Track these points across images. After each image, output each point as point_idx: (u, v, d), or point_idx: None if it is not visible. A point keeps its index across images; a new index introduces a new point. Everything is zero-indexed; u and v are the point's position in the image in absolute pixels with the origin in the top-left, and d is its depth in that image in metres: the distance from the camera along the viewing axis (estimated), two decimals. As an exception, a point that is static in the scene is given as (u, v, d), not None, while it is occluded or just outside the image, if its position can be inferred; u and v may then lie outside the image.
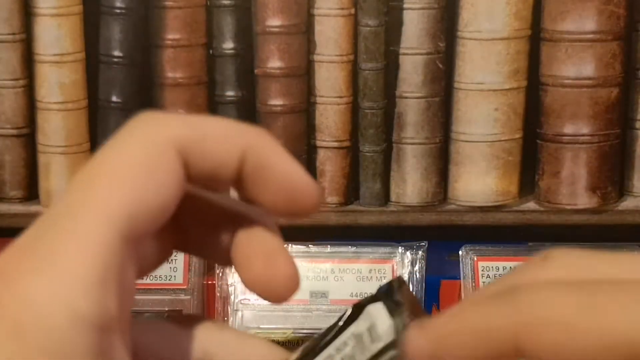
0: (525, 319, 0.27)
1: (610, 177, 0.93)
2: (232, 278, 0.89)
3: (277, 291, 0.31)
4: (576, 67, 0.90)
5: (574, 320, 0.26)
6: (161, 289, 0.89)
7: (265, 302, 0.96)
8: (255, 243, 0.32)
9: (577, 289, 0.27)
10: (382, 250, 0.90)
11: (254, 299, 0.89)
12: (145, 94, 0.94)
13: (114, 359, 0.28)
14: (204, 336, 0.32)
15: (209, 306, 0.90)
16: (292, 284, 0.31)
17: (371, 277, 0.89)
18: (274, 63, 0.92)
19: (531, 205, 0.95)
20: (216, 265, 0.90)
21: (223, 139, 0.31)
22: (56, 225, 0.28)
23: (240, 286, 0.89)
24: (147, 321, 0.32)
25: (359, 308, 0.31)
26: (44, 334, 0.27)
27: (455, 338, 0.28)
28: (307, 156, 0.94)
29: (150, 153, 0.30)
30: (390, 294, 0.31)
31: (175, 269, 0.90)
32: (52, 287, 0.27)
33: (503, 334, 0.27)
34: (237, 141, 0.31)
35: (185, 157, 0.30)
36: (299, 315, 0.89)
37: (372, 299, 0.31)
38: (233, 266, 0.33)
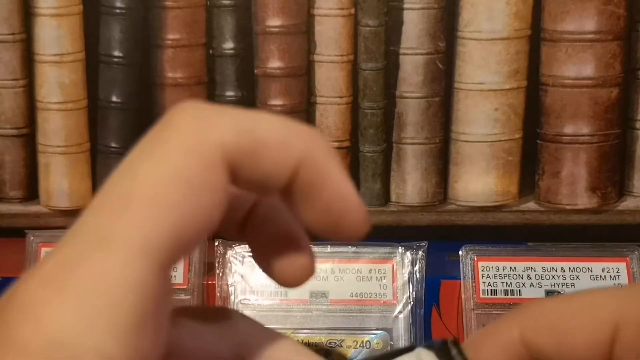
0: (524, 314, 0.30)
1: (610, 177, 0.93)
2: (232, 278, 0.89)
3: (291, 278, 0.29)
4: (576, 67, 0.90)
5: (560, 306, 0.29)
6: (161, 289, 0.89)
7: (265, 302, 0.95)
8: (274, 224, 0.30)
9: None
10: (382, 250, 0.90)
11: (254, 298, 0.89)
12: (145, 94, 0.94)
13: None
14: (236, 330, 0.29)
15: (209, 306, 0.90)
16: (307, 272, 0.29)
17: (371, 277, 0.89)
18: (274, 63, 0.92)
19: (531, 205, 0.95)
20: (216, 265, 0.90)
21: (278, 148, 0.27)
22: (88, 256, 0.25)
23: (240, 286, 0.89)
24: (174, 320, 0.29)
25: (408, 348, 0.30)
26: None
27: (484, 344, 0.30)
28: (307, 156, 0.94)
29: (195, 168, 0.26)
30: (444, 348, 0.30)
31: (175, 269, 0.90)
32: (82, 329, 0.25)
33: (513, 334, 0.30)
34: (293, 151, 0.27)
35: (233, 168, 0.26)
36: (299, 315, 0.89)
37: (424, 346, 0.30)
38: (246, 242, 0.30)
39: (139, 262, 0.25)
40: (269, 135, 0.27)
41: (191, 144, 0.26)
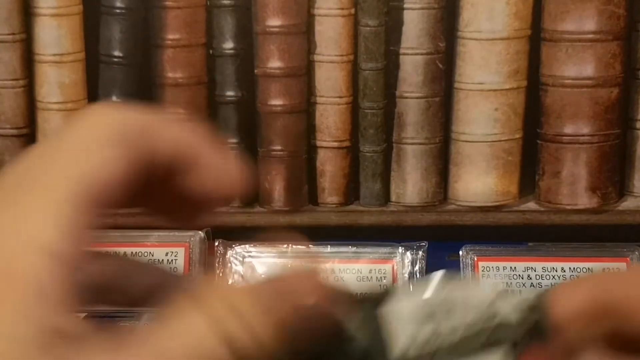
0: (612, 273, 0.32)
1: (610, 177, 0.93)
2: (232, 278, 0.89)
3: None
4: (576, 67, 0.90)
5: None
6: (161, 289, 0.89)
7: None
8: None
9: None
10: (382, 250, 0.90)
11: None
12: (145, 94, 0.94)
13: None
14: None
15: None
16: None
17: (371, 277, 0.89)
18: (274, 63, 0.92)
19: (531, 205, 0.95)
20: (216, 265, 0.90)
21: (162, 131, 0.33)
22: (26, 185, 0.31)
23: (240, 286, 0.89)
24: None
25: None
26: (22, 276, 0.29)
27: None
28: (307, 156, 0.94)
29: (97, 138, 0.32)
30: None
31: (175, 269, 0.90)
32: (27, 232, 0.29)
33: (597, 288, 0.32)
34: (171, 136, 0.33)
35: (134, 145, 0.32)
36: (299, 316, 0.89)
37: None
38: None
39: (66, 186, 0.31)
40: (154, 121, 0.34)
41: (92, 127, 0.32)
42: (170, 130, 0.34)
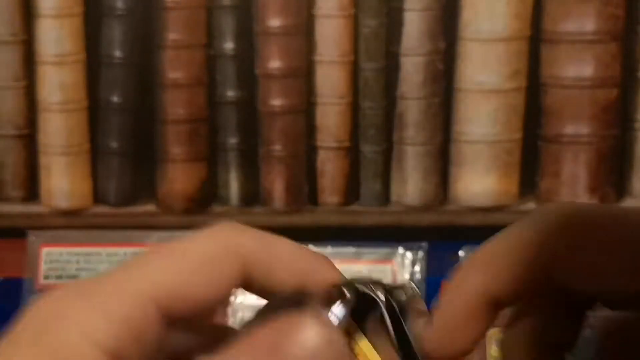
0: None
1: (609, 178, 0.93)
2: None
3: None
4: (576, 67, 0.90)
5: None
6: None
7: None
8: None
9: None
10: (383, 250, 0.90)
11: (254, 299, 0.89)
12: (145, 94, 0.94)
13: None
14: None
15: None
16: None
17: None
18: (274, 63, 0.92)
19: (531, 205, 0.95)
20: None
21: (288, 265, 0.34)
22: (108, 280, 0.31)
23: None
24: None
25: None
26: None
27: None
28: (307, 156, 0.95)
29: (212, 252, 0.32)
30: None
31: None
32: (89, 324, 0.29)
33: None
34: (299, 269, 0.34)
35: (248, 270, 0.33)
36: (299, 316, 0.89)
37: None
38: None
39: (132, 296, 0.30)
40: (282, 252, 0.35)
41: (215, 238, 0.33)
42: (298, 264, 0.34)
